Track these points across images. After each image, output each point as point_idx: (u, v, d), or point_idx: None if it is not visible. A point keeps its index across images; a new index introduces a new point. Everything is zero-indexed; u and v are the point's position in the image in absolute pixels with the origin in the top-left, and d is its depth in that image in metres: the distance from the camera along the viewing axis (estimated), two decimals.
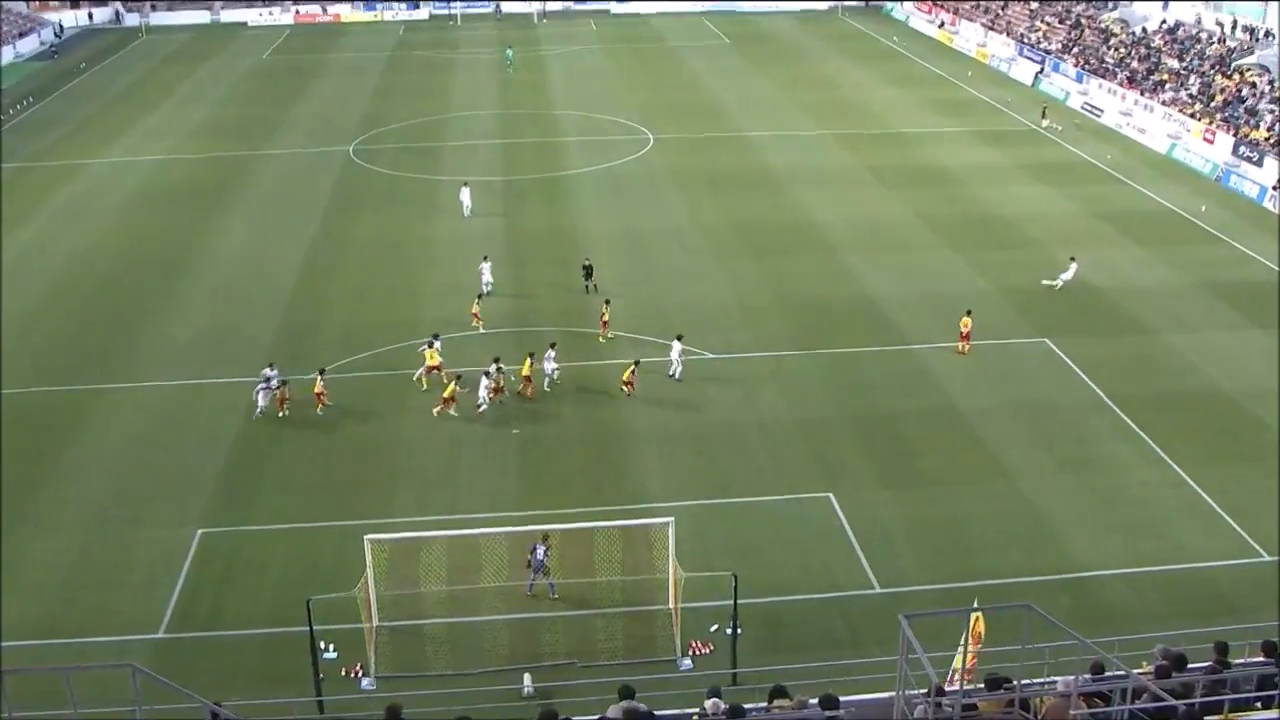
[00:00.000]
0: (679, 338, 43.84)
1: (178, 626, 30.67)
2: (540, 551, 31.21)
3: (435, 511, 35.35)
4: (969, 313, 45.77)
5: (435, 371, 42.86)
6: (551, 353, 42.87)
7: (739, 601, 28.39)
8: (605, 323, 46.69)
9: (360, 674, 28.69)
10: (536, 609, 30.98)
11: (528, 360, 42.13)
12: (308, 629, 27.24)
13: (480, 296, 48.46)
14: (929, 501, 35.91)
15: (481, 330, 46.76)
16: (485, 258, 51.92)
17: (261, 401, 40.84)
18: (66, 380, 44.17)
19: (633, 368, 42.28)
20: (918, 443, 39.25)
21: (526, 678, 28.08)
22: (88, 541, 34.46)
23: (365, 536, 29.76)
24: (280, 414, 40.81)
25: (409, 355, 45.20)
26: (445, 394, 40.91)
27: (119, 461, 38.60)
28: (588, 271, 51.31)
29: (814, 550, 33.53)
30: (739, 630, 28.66)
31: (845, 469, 37.72)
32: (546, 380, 42.56)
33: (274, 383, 41.29)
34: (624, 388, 41.89)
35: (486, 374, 41.24)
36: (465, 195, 62.31)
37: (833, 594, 31.64)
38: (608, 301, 47.32)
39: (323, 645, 28.91)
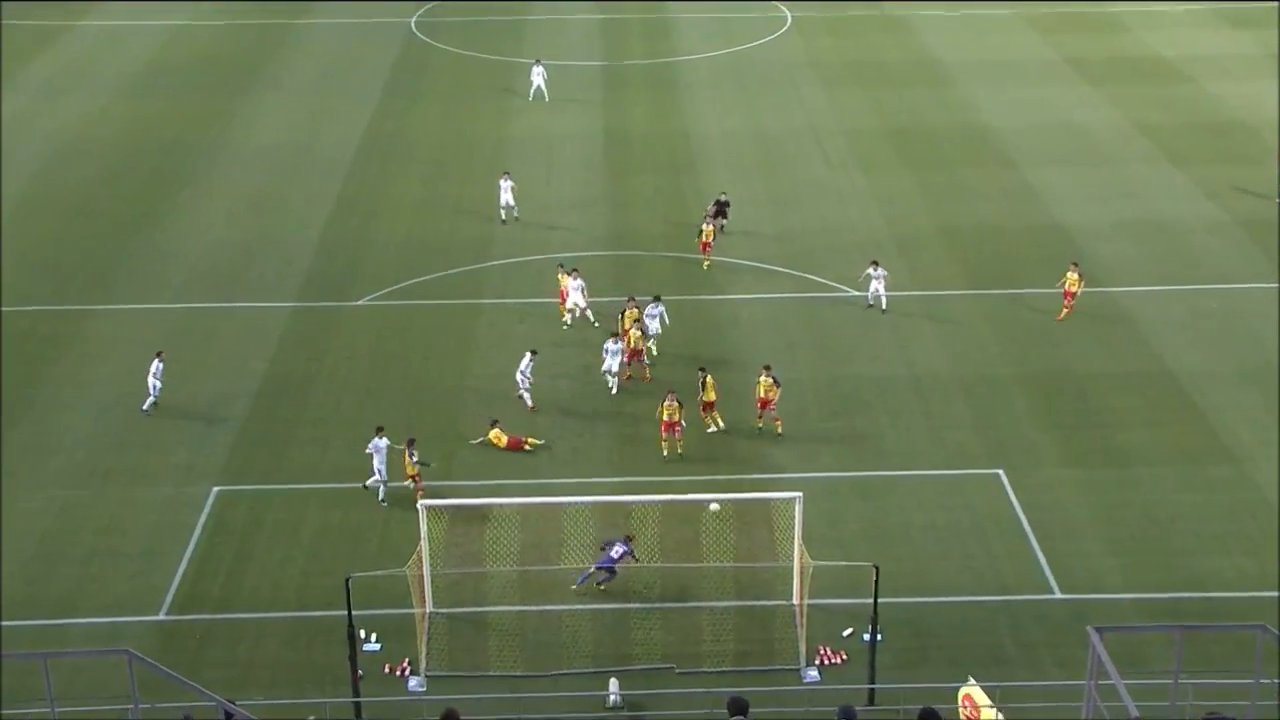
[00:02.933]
0: (875, 263, 43.95)
1: (183, 607, 31.25)
2: (617, 550, 30.67)
3: (506, 474, 35.61)
4: (1075, 264, 44.05)
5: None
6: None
7: (880, 600, 28.24)
8: (706, 245, 46.43)
9: (408, 672, 29.05)
10: (627, 600, 31.10)
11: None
12: (346, 614, 27.59)
13: (563, 265, 43.72)
14: (1128, 486, 35.33)
15: (568, 323, 42.69)
16: (506, 174, 50.59)
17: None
18: (50, 298, 45.10)
19: (673, 405, 35.95)
20: (1115, 412, 38.58)
21: (613, 684, 28.22)
22: (73, 499, 35.03)
23: (419, 502, 30.15)
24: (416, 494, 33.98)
25: (474, 281, 45.52)
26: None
27: (114, 401, 39.23)
28: (720, 209, 48.73)
29: (977, 541, 33.25)
30: (880, 636, 28.50)
31: (1020, 441, 37.27)
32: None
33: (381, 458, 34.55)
34: (668, 432, 36.20)
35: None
36: (538, 75, 62.59)
37: (1000, 597, 31.36)
38: (709, 215, 47.22)
39: (363, 635, 29.34)
